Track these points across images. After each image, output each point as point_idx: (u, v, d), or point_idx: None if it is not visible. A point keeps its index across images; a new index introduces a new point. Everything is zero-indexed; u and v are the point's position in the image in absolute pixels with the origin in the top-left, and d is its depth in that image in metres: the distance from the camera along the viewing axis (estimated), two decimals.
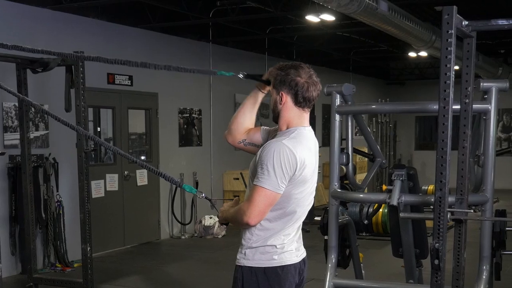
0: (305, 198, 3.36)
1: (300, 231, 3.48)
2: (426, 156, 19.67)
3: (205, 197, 3.35)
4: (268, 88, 3.50)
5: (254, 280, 3.31)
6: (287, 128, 3.37)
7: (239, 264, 3.37)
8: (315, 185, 3.45)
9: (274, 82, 3.38)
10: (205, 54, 12.26)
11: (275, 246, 3.31)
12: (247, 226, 3.27)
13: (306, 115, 3.41)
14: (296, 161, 3.20)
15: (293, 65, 3.37)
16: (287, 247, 3.35)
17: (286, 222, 3.32)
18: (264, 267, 3.31)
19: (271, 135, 3.54)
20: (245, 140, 3.61)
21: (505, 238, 5.06)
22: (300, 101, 3.35)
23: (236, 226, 3.38)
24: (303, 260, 3.47)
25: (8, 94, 4.15)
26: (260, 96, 3.60)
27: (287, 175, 3.18)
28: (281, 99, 3.36)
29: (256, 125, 3.69)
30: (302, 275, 3.47)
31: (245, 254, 3.34)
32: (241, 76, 3.48)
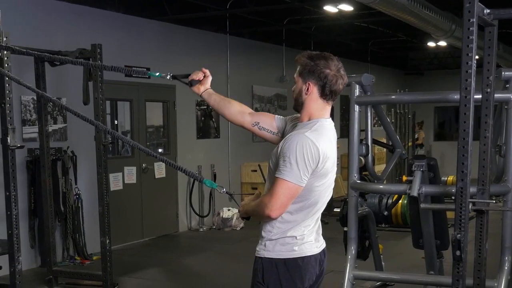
0: (325, 190, 3.33)
1: (319, 222, 3.45)
2: (444, 146, 19.54)
3: (226, 192, 3.33)
4: (197, 86, 3.67)
5: (274, 271, 3.28)
6: (309, 119, 3.33)
7: (259, 256, 3.34)
8: (335, 176, 3.41)
9: (301, 71, 3.33)
10: (222, 45, 12.24)
11: (295, 237, 3.28)
12: (269, 219, 3.23)
13: (328, 108, 3.37)
14: (319, 154, 3.16)
15: (323, 55, 3.32)
16: (307, 238, 3.31)
17: (307, 214, 3.29)
18: (285, 258, 3.28)
19: (289, 124, 3.51)
20: (259, 123, 3.58)
21: None
22: (327, 94, 3.31)
23: (257, 219, 3.35)
24: (323, 251, 3.44)
25: (28, 89, 4.16)
26: (197, 90, 3.70)
27: (309, 167, 3.14)
28: (307, 89, 3.31)
29: (274, 114, 3.67)
30: (322, 266, 3.44)
31: (265, 245, 3.31)
32: (168, 77, 3.69)
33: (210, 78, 3.70)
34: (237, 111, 3.65)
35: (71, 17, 9.12)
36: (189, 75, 3.68)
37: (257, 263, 3.34)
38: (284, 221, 3.25)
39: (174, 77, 3.66)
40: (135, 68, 3.92)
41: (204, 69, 3.69)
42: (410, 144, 18.21)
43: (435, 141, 20.81)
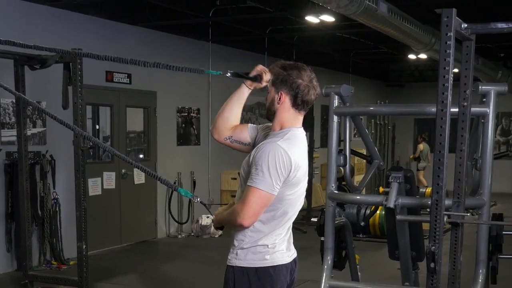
0: (297, 199, 3.35)
1: (290, 231, 3.46)
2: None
3: (200, 202, 3.32)
4: (254, 84, 3.46)
5: (246, 280, 3.29)
6: (281, 128, 3.35)
7: (230, 264, 3.35)
8: (306, 185, 3.43)
9: (274, 80, 3.35)
10: (204, 53, 12.24)
11: (267, 245, 3.29)
12: (241, 228, 3.24)
13: (300, 118, 3.39)
14: (291, 163, 3.18)
15: (296, 65, 3.34)
16: (278, 246, 3.33)
17: (278, 223, 3.31)
18: (256, 267, 3.29)
19: (261, 132, 3.52)
20: (232, 137, 3.56)
21: (502, 242, 5.05)
22: (299, 104, 3.33)
23: (230, 228, 3.36)
24: (294, 260, 3.46)
25: (6, 90, 4.14)
26: (247, 92, 3.55)
27: (281, 176, 3.16)
28: (280, 98, 3.34)
29: (247, 123, 3.66)
30: (293, 276, 3.45)
31: (236, 254, 3.32)
32: (228, 74, 3.48)
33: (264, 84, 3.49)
34: (229, 125, 3.56)
35: (52, 21, 9.10)
36: (249, 73, 3.50)
37: (228, 272, 3.35)
38: (256, 230, 3.26)
39: (235, 74, 3.51)
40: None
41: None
42: (411, 157, 18.10)
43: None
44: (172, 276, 8.69)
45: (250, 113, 13.44)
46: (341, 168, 5.41)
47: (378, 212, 6.87)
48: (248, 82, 3.50)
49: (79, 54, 5.64)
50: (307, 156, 3.41)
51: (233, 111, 3.58)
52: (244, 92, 3.56)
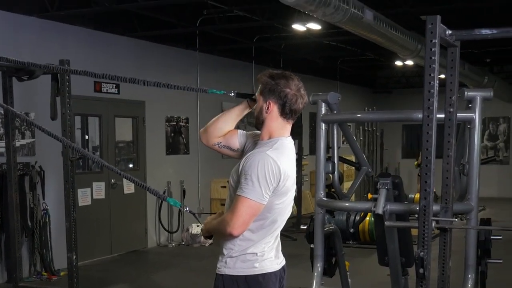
0: (285, 208, 3.37)
1: (279, 239, 3.48)
2: (412, 164, 19.66)
3: (189, 211, 3.33)
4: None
5: None
6: (269, 138, 3.37)
7: (219, 273, 3.36)
8: (294, 194, 3.45)
9: (262, 90, 3.37)
10: (192, 62, 12.26)
11: (256, 254, 3.31)
12: (231, 237, 3.25)
13: (289, 127, 3.41)
14: (280, 173, 3.21)
15: (283, 75, 3.35)
16: (267, 254, 3.35)
17: (267, 232, 3.33)
18: (246, 275, 3.30)
19: (249, 140, 3.54)
20: (220, 142, 3.57)
21: (490, 246, 5.09)
22: (287, 113, 3.34)
23: (219, 237, 3.37)
24: (283, 267, 3.48)
25: None
26: (247, 110, 3.60)
27: (271, 186, 3.18)
28: (268, 107, 3.35)
29: (237, 129, 3.67)
30: (282, 283, 3.47)
31: (226, 262, 3.34)
32: (232, 95, 3.52)
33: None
34: (221, 134, 3.59)
35: (40, 32, 9.09)
36: (253, 94, 3.55)
37: (218, 280, 3.37)
38: (245, 239, 3.28)
39: (238, 95, 3.58)
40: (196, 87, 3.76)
41: None
42: (416, 163, 17.88)
43: (403, 159, 20.95)
44: (163, 286, 8.68)
45: (238, 121, 13.41)
46: (329, 175, 5.44)
47: (367, 218, 6.90)
48: (251, 102, 3.54)
49: (67, 70, 5.66)
50: (295, 165, 3.43)
51: (228, 123, 3.60)
52: (244, 110, 3.60)
